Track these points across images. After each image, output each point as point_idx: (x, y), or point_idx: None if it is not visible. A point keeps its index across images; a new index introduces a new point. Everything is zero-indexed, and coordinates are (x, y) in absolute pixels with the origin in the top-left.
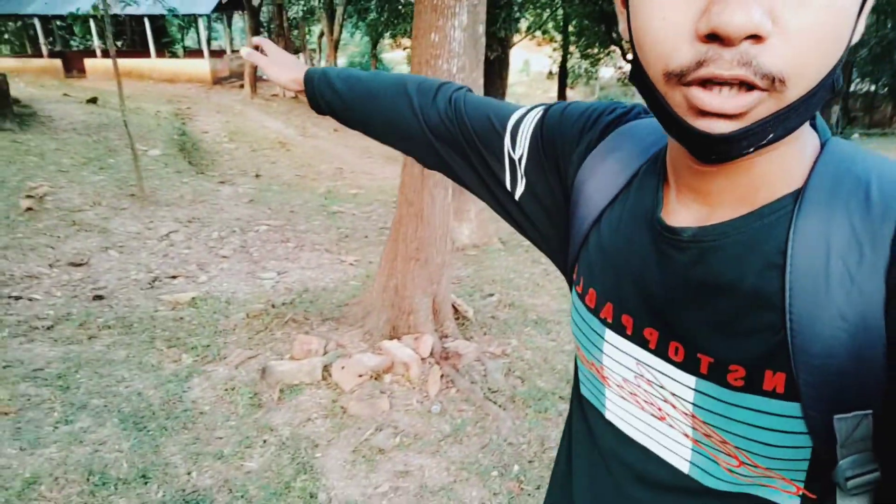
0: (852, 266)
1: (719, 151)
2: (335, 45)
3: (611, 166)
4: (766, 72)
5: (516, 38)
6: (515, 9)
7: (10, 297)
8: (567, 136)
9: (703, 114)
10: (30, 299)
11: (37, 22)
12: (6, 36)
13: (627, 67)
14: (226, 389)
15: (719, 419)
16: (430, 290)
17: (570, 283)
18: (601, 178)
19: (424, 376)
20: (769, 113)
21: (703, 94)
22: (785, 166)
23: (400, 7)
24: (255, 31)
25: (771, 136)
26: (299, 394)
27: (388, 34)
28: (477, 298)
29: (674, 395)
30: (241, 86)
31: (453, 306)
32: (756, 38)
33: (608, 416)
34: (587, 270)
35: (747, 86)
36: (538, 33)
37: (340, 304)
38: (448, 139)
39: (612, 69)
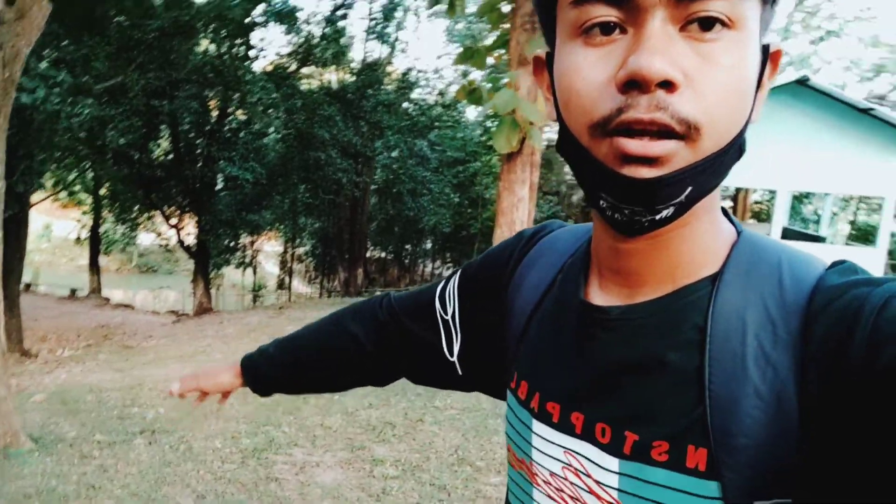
0: (767, 345)
1: (643, 198)
2: None
3: (539, 269)
4: (681, 116)
5: (36, 197)
6: (37, 161)
7: None
8: (497, 262)
9: (628, 161)
10: None
11: None
12: None
13: (169, 233)
14: None
15: None
16: None
17: (508, 390)
18: (531, 280)
19: None
20: (686, 163)
21: (626, 140)
22: (702, 247)
23: None
24: None
25: (689, 188)
26: None
27: None
28: None
29: (598, 483)
30: None
31: None
32: (669, 86)
33: None
34: (521, 366)
35: (666, 134)
36: (63, 195)
37: None
38: (391, 342)
39: (152, 235)
